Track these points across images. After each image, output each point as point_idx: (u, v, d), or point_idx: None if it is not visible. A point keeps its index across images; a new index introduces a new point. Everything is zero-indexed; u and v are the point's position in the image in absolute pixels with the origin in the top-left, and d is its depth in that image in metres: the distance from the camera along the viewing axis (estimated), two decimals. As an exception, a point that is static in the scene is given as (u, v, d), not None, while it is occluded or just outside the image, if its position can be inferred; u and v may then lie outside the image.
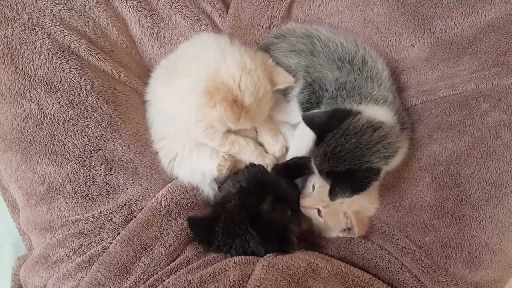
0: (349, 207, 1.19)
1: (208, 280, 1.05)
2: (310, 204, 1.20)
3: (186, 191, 1.25)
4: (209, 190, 1.26)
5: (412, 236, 1.17)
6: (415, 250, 1.14)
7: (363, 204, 1.24)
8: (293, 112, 1.30)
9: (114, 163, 1.18)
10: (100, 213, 1.16)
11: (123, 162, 1.20)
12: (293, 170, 1.25)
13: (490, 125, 1.13)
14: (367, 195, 1.24)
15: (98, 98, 1.18)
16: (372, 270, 1.17)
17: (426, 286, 1.13)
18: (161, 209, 1.19)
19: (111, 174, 1.17)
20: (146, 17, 1.30)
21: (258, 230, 1.11)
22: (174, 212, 1.21)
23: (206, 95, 1.10)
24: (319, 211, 1.19)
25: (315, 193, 1.22)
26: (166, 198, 1.20)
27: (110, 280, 1.10)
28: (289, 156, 1.32)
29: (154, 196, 1.20)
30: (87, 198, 1.15)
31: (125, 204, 1.18)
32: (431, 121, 1.23)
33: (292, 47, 1.29)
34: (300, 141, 1.31)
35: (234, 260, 1.10)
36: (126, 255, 1.12)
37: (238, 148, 1.26)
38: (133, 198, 1.19)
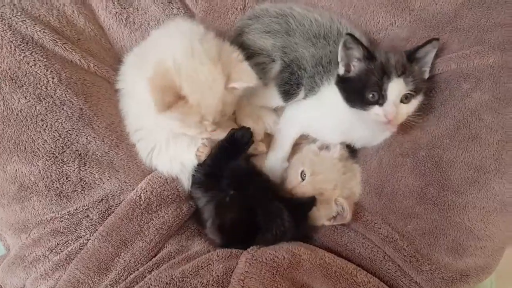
0: (340, 193, 1.15)
1: (190, 274, 1.00)
2: (303, 194, 1.15)
3: (167, 182, 1.17)
4: (188, 182, 1.19)
5: (394, 224, 1.11)
6: (397, 239, 1.09)
7: (352, 188, 1.20)
8: (272, 95, 1.22)
9: (88, 158, 1.10)
10: (76, 209, 1.08)
11: (98, 156, 1.11)
12: (238, 143, 1.14)
13: (472, 107, 1.05)
14: (354, 177, 1.21)
15: (67, 91, 1.09)
16: (355, 259, 1.12)
17: (409, 275, 1.08)
18: (141, 203, 1.11)
19: (86, 169, 1.09)
20: (114, 3, 1.21)
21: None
22: (154, 205, 1.13)
23: (149, 82, 1.00)
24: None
25: (306, 182, 1.16)
26: (146, 191, 1.12)
27: (89, 277, 1.04)
28: (274, 143, 1.26)
29: (133, 190, 1.12)
30: (61, 195, 1.08)
31: (102, 199, 1.10)
32: None
33: (266, 28, 1.21)
34: (288, 123, 1.25)
35: (217, 254, 1.05)
36: (105, 251, 1.06)
37: (219, 130, 1.16)
38: (110, 193, 1.11)
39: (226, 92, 1.05)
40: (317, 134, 1.23)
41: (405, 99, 1.04)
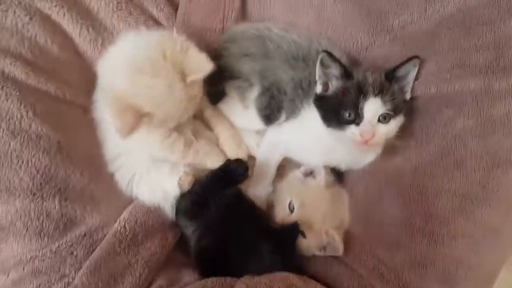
0: (331, 223, 1.14)
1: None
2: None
3: (150, 211, 1.14)
4: (171, 210, 1.17)
5: (382, 255, 1.08)
6: (384, 272, 1.06)
7: (341, 215, 1.19)
8: (253, 119, 1.20)
9: (68, 193, 1.06)
10: (59, 247, 1.03)
11: (78, 189, 1.07)
12: (232, 175, 1.12)
13: (455, 133, 1.02)
14: (342, 204, 1.20)
15: (43, 124, 1.05)
16: (345, 292, 1.10)
17: None
18: (126, 234, 1.08)
19: (67, 205, 1.05)
20: (88, 29, 1.16)
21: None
22: (140, 236, 1.10)
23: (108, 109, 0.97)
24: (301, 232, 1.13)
25: (296, 215, 1.14)
26: (130, 221, 1.09)
27: None
28: (256, 167, 1.23)
29: (116, 222, 1.09)
30: (41, 233, 1.03)
31: (85, 234, 1.06)
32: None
33: (244, 51, 1.18)
34: (270, 147, 1.23)
35: (211, 281, 1.03)
36: None
37: (203, 155, 1.16)
38: (93, 227, 1.07)
39: (188, 87, 1.00)
40: (299, 157, 1.21)
41: (383, 119, 1.02)
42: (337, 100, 1.05)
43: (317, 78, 1.08)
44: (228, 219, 1.11)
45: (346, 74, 1.05)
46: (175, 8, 1.27)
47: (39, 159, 1.03)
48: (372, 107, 1.00)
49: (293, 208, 1.15)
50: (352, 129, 1.02)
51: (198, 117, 1.23)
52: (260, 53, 1.17)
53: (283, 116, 1.17)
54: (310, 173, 1.20)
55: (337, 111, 1.03)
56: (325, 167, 1.18)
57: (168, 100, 0.97)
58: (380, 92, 1.01)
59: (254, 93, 1.17)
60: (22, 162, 1.01)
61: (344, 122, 1.03)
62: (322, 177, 1.17)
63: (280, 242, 1.08)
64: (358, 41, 1.19)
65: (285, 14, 1.26)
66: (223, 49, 1.21)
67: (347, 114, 1.02)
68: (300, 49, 1.15)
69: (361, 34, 1.18)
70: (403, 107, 1.05)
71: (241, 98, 1.19)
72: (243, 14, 1.30)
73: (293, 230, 1.10)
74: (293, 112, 1.16)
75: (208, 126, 1.24)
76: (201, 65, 0.99)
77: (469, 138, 1.01)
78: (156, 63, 0.96)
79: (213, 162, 1.17)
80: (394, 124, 1.04)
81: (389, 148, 1.10)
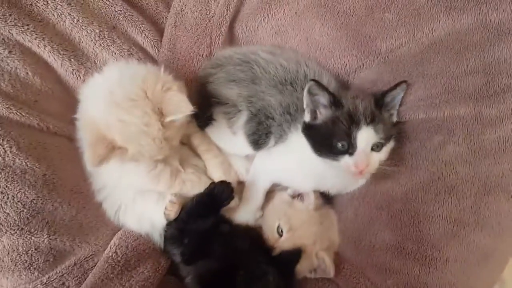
0: (321, 245, 1.12)
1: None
2: (283, 249, 1.11)
3: (140, 236, 1.13)
4: (160, 238, 1.14)
5: (373, 278, 1.07)
6: None
7: (331, 237, 1.17)
8: (241, 145, 1.18)
9: (56, 225, 1.04)
10: (49, 278, 1.01)
11: (66, 221, 1.06)
12: (217, 199, 1.10)
13: (446, 159, 1.01)
14: (331, 225, 1.19)
15: (28, 158, 1.03)
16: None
17: None
18: (118, 259, 1.06)
19: (56, 238, 1.03)
20: (70, 59, 1.14)
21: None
22: (133, 261, 1.09)
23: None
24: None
25: (285, 238, 1.12)
26: (121, 247, 1.08)
27: None
28: (245, 193, 1.21)
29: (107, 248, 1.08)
30: (31, 268, 1.01)
31: (75, 264, 1.04)
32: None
33: (231, 77, 1.16)
34: (258, 172, 1.20)
35: None
36: None
37: (190, 186, 1.13)
38: (83, 257, 1.06)
39: (166, 128, 0.96)
40: (289, 183, 1.19)
41: (376, 147, 0.99)
42: (327, 130, 1.02)
43: (304, 106, 1.05)
44: (225, 246, 1.08)
45: (335, 102, 1.02)
46: (161, 34, 1.25)
47: (25, 194, 1.01)
48: (365, 136, 0.97)
49: (282, 232, 1.13)
50: (346, 159, 0.99)
51: (186, 143, 1.21)
52: (247, 78, 1.14)
53: (271, 141, 1.15)
54: (297, 195, 1.18)
55: (329, 140, 1.00)
56: (314, 191, 1.16)
57: (142, 137, 0.94)
58: (372, 120, 0.98)
59: (242, 118, 1.15)
60: (8, 198, 1.00)
61: (337, 152, 0.99)
62: (311, 201, 1.15)
63: (280, 268, 1.06)
64: (346, 64, 1.17)
65: (273, 37, 1.24)
66: (208, 75, 1.18)
67: (340, 145, 0.98)
68: (288, 73, 1.13)
69: (349, 57, 1.15)
70: (393, 132, 1.03)
71: (229, 124, 1.17)
72: (230, 38, 1.27)
73: (296, 256, 1.08)
74: (281, 137, 1.13)
75: (196, 153, 1.22)
76: (180, 107, 0.95)
77: (460, 164, 1.00)
78: (136, 100, 0.93)
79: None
80: (386, 151, 1.02)
81: (379, 173, 1.07)
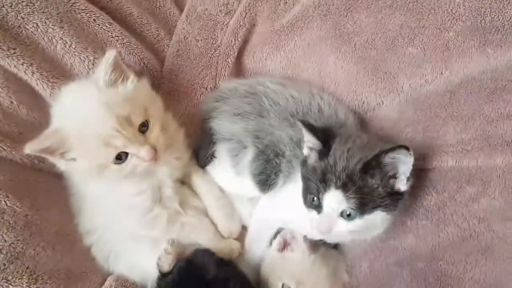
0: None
1: None
2: None
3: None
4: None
5: None
6: None
7: (342, 276, 1.05)
8: (247, 186, 1.04)
9: (38, 272, 0.91)
10: None
11: (50, 267, 0.93)
12: (197, 271, 0.95)
13: (479, 215, 0.87)
14: (338, 263, 1.07)
15: (8, 196, 0.92)
16: None
17: None
18: None
19: (37, 287, 0.89)
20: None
21: None
22: None
23: None
24: None
25: None
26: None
27: None
28: (249, 240, 1.08)
29: None
30: None
31: None
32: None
33: (236, 110, 1.05)
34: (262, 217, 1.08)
35: None
36: None
37: (189, 230, 1.03)
38: None
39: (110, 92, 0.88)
40: (297, 229, 1.04)
41: (347, 216, 0.83)
42: (309, 176, 0.89)
43: (305, 139, 0.92)
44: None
45: (323, 151, 0.88)
46: (161, 63, 1.16)
47: (2, 237, 0.90)
48: (332, 200, 0.83)
49: None
50: (312, 215, 0.87)
51: (186, 182, 1.10)
52: (254, 111, 1.03)
53: (280, 181, 1.01)
54: (284, 247, 1.05)
55: (307, 189, 0.89)
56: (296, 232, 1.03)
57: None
58: (344, 186, 0.82)
59: (248, 156, 1.03)
60: (-18, 240, 0.88)
61: (309, 204, 0.88)
62: (301, 244, 1.02)
63: None
64: (363, 101, 1.04)
65: (283, 69, 1.14)
66: (212, 109, 1.07)
67: (312, 198, 0.87)
68: (300, 104, 1.01)
69: (367, 93, 1.03)
70: (382, 203, 0.84)
71: (233, 163, 1.05)
72: (238, 70, 1.18)
73: None
74: (289, 174, 1.00)
75: (196, 193, 1.10)
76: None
77: (496, 221, 0.86)
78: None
79: (201, 238, 1.04)
80: (364, 222, 0.84)
81: (398, 225, 0.93)
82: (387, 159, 0.81)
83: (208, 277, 0.93)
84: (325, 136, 0.88)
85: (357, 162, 0.84)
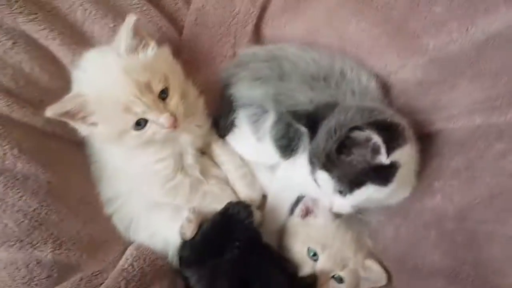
0: (362, 253, 1.00)
1: None
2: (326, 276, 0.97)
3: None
4: (174, 257, 1.00)
5: None
6: None
7: (366, 241, 1.05)
8: (268, 152, 1.03)
9: (62, 238, 0.91)
10: None
11: (73, 234, 0.93)
12: (232, 222, 0.95)
13: (510, 171, 0.82)
14: (361, 228, 1.05)
15: (30, 162, 0.91)
16: None
17: None
18: (134, 273, 0.94)
19: (61, 252, 0.90)
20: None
21: None
22: (149, 277, 0.95)
23: None
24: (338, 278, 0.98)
25: (324, 260, 0.98)
26: (139, 258, 0.96)
27: None
28: (269, 207, 1.07)
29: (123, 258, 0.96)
30: (31, 283, 0.87)
31: (81, 279, 0.91)
32: (428, 164, 0.94)
33: (255, 75, 1.03)
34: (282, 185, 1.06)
35: None
36: None
37: (211, 198, 1.03)
38: (92, 273, 0.92)
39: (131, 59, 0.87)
40: (318, 195, 1.01)
41: (340, 192, 0.86)
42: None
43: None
44: (244, 257, 0.93)
45: (312, 136, 0.91)
46: (180, 32, 1.14)
47: (26, 202, 0.89)
48: (321, 179, 0.87)
49: (316, 256, 0.98)
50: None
51: (206, 152, 1.09)
52: (274, 75, 1.01)
53: (302, 146, 0.99)
54: (306, 214, 1.04)
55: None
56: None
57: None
58: (325, 166, 0.85)
59: (268, 121, 1.02)
60: (6, 205, 0.87)
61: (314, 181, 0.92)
62: (324, 211, 1.00)
63: None
64: (386, 64, 1.01)
65: (303, 36, 1.11)
66: (231, 76, 1.06)
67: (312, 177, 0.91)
68: (321, 68, 1.00)
69: (390, 56, 1.00)
70: (372, 177, 0.83)
71: (254, 129, 1.04)
72: (257, 38, 1.16)
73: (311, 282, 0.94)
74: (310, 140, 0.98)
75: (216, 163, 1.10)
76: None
77: (527, 176, 0.82)
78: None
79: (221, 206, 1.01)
80: (360, 196, 0.85)
81: (425, 187, 0.91)
82: (359, 136, 0.80)
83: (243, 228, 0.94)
84: (312, 121, 0.90)
85: (334, 142, 0.84)
